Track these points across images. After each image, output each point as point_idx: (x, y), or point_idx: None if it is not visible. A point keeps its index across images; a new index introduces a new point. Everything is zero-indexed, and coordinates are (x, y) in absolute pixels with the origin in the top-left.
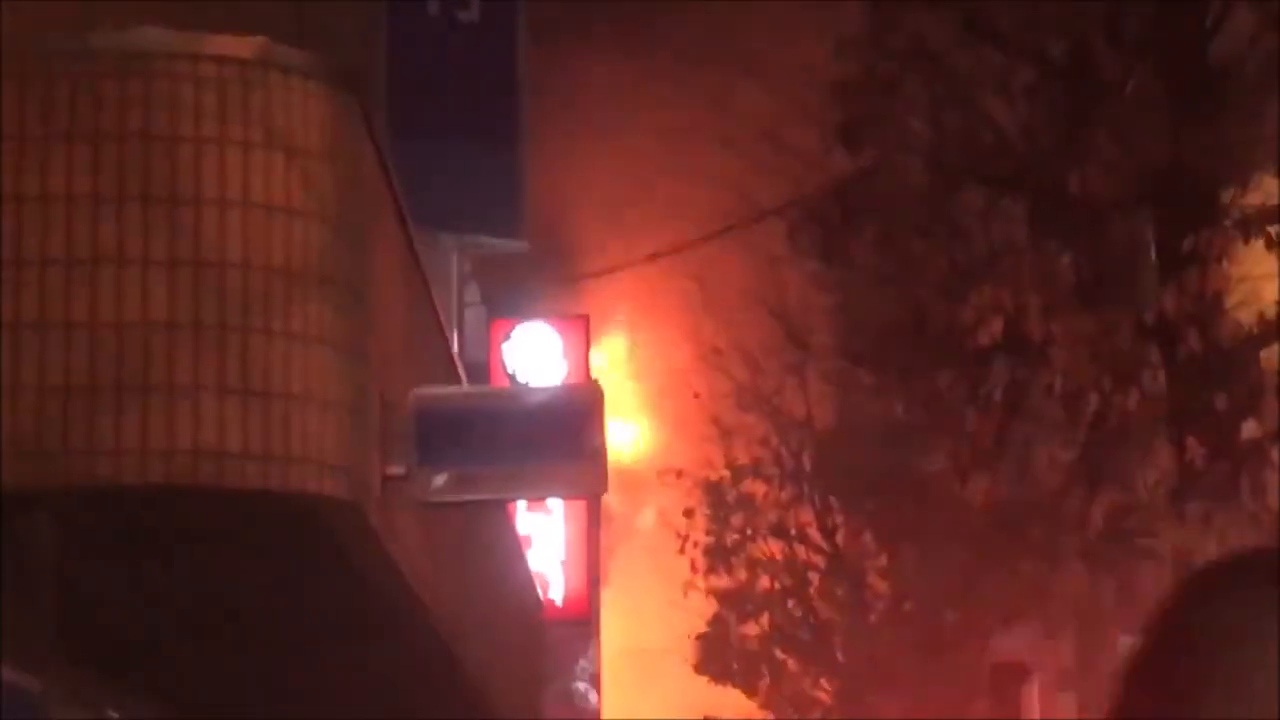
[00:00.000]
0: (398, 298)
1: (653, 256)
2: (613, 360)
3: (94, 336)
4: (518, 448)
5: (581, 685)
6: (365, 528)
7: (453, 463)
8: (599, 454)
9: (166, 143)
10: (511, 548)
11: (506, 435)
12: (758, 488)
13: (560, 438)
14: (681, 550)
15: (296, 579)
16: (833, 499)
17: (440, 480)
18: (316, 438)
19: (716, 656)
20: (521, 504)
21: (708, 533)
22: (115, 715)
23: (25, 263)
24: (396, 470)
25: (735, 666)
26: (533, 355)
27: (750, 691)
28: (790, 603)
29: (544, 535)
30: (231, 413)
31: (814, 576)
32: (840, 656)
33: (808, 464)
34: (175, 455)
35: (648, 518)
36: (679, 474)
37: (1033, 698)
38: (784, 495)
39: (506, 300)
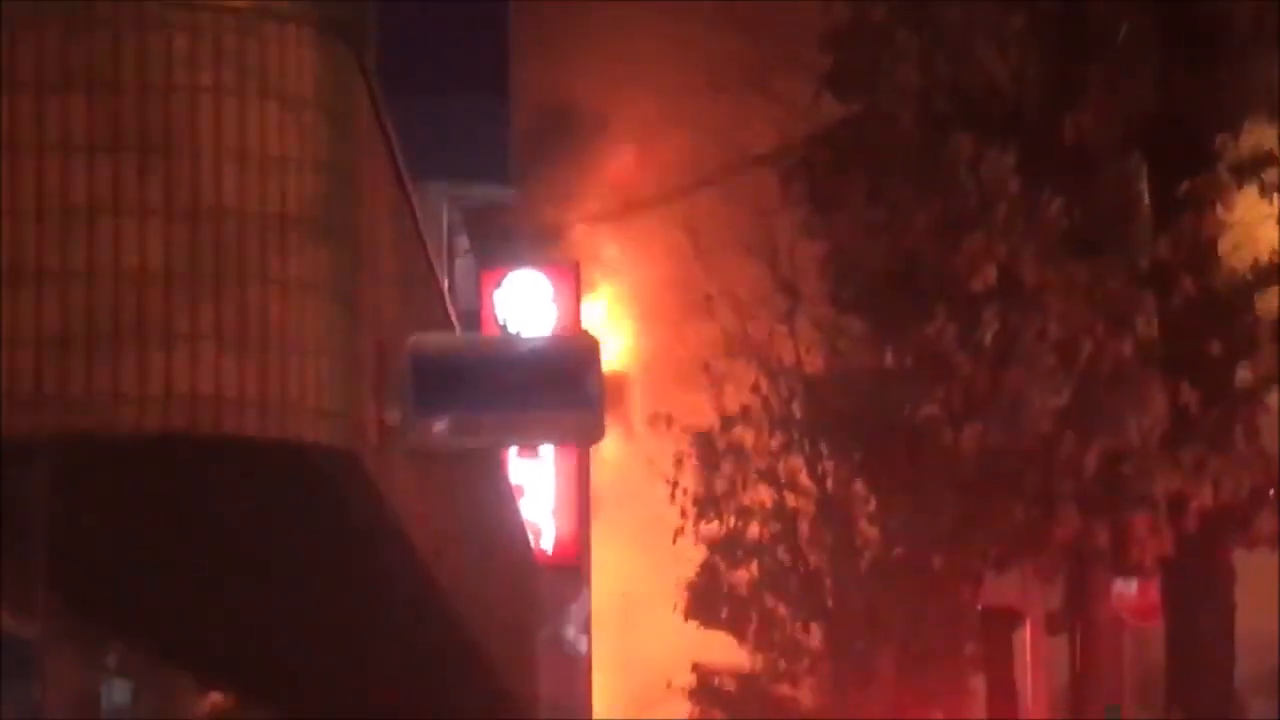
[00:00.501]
0: (392, 245)
1: (642, 205)
2: (602, 308)
3: (91, 286)
4: (514, 395)
5: (571, 631)
6: (361, 474)
7: (449, 410)
8: (595, 402)
9: (162, 92)
10: (504, 495)
11: (503, 383)
12: (747, 435)
13: (557, 386)
14: (672, 498)
15: (292, 525)
16: (823, 446)
17: (437, 427)
18: (313, 385)
19: (706, 603)
20: (513, 451)
21: (698, 480)
22: (110, 661)
23: (21, 212)
24: (392, 417)
25: (725, 613)
26: (523, 303)
27: (740, 637)
28: (780, 549)
29: (535, 483)
30: (228, 360)
31: (804, 523)
32: (830, 603)
33: (798, 411)
34: (172, 403)
35: (638, 465)
36: (669, 421)
37: (1024, 643)
38: (774, 442)
39: (496, 250)
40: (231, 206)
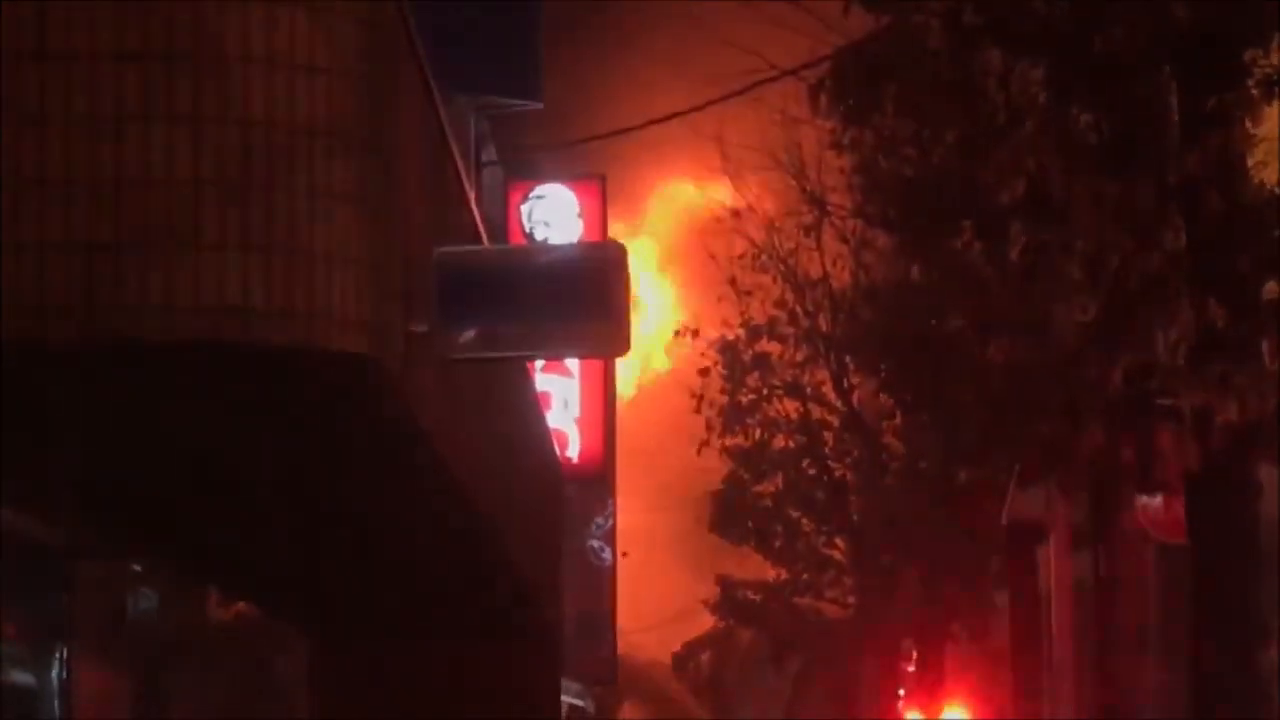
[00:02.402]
0: (420, 156)
1: (670, 117)
2: (629, 220)
3: (120, 194)
4: (540, 306)
5: (597, 543)
6: (387, 383)
7: (475, 320)
8: (621, 313)
9: (191, 0)
10: (530, 406)
11: (529, 294)
12: (773, 347)
13: (583, 297)
14: (697, 409)
15: (319, 433)
16: (849, 360)
17: (463, 337)
18: (340, 294)
19: (731, 515)
20: (539, 363)
21: (723, 392)
22: (137, 569)
23: (50, 120)
24: (419, 327)
25: (750, 525)
26: (549, 216)
27: (765, 550)
28: (805, 462)
29: (561, 393)
30: (256, 269)
31: (829, 436)
32: (855, 516)
33: (824, 324)
34: (201, 311)
35: (664, 377)
36: (695, 334)
37: (1048, 557)
38: (799, 355)
39: (523, 161)
40: (260, 116)
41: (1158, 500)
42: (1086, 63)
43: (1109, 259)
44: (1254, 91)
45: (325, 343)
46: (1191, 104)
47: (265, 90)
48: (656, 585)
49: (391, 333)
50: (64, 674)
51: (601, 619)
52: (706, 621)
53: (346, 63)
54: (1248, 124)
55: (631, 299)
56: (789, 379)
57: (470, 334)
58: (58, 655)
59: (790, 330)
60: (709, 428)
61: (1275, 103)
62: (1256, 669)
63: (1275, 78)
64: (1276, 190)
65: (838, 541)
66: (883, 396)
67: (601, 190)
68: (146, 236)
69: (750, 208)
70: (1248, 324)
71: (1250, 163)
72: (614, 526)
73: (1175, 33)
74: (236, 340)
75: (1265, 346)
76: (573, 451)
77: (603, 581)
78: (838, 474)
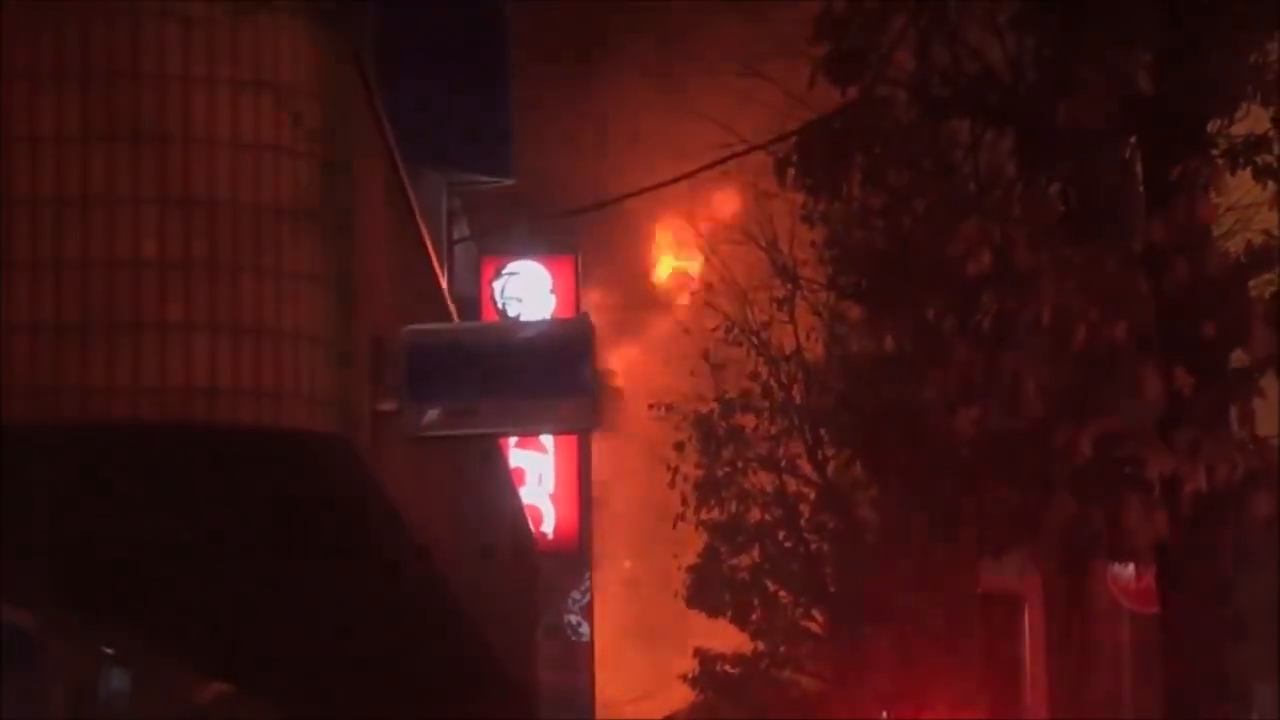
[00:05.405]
0: (388, 235)
1: (641, 192)
2: (602, 295)
3: (85, 275)
4: (510, 383)
5: (574, 618)
6: (356, 462)
7: (444, 398)
8: (591, 389)
9: (155, 81)
10: (503, 482)
11: (498, 370)
12: (747, 420)
13: (552, 373)
14: (672, 483)
15: (289, 514)
16: (822, 431)
17: (432, 415)
18: (307, 373)
19: (708, 588)
20: (513, 439)
21: (698, 466)
22: (109, 651)
23: (16, 202)
24: (387, 405)
25: (727, 598)
26: (522, 292)
27: (742, 623)
28: (781, 534)
29: (536, 469)
30: (222, 350)
31: (804, 508)
32: (831, 587)
33: (797, 396)
34: (167, 392)
35: (639, 451)
36: (669, 408)
37: (1023, 626)
38: (774, 428)
39: (496, 237)
40: (225, 196)
41: (1129, 570)
42: (1052, 133)
43: (1076, 328)
44: (1219, 161)
45: (293, 422)
46: (1157, 173)
47: (230, 172)
48: (635, 659)
49: (360, 411)
50: None
51: (580, 693)
52: (686, 695)
53: (312, 144)
54: (1212, 194)
55: (599, 374)
56: (764, 452)
57: (439, 412)
58: None
59: (764, 403)
60: (684, 501)
61: (1240, 172)
62: None
63: (1239, 147)
64: (1242, 259)
65: (815, 614)
66: (857, 467)
67: (574, 266)
68: (112, 318)
69: (723, 281)
70: (1215, 391)
71: (1216, 232)
72: (591, 601)
73: (1140, 102)
74: (204, 421)
75: (1233, 414)
76: (548, 527)
77: (580, 656)
78: (813, 546)
